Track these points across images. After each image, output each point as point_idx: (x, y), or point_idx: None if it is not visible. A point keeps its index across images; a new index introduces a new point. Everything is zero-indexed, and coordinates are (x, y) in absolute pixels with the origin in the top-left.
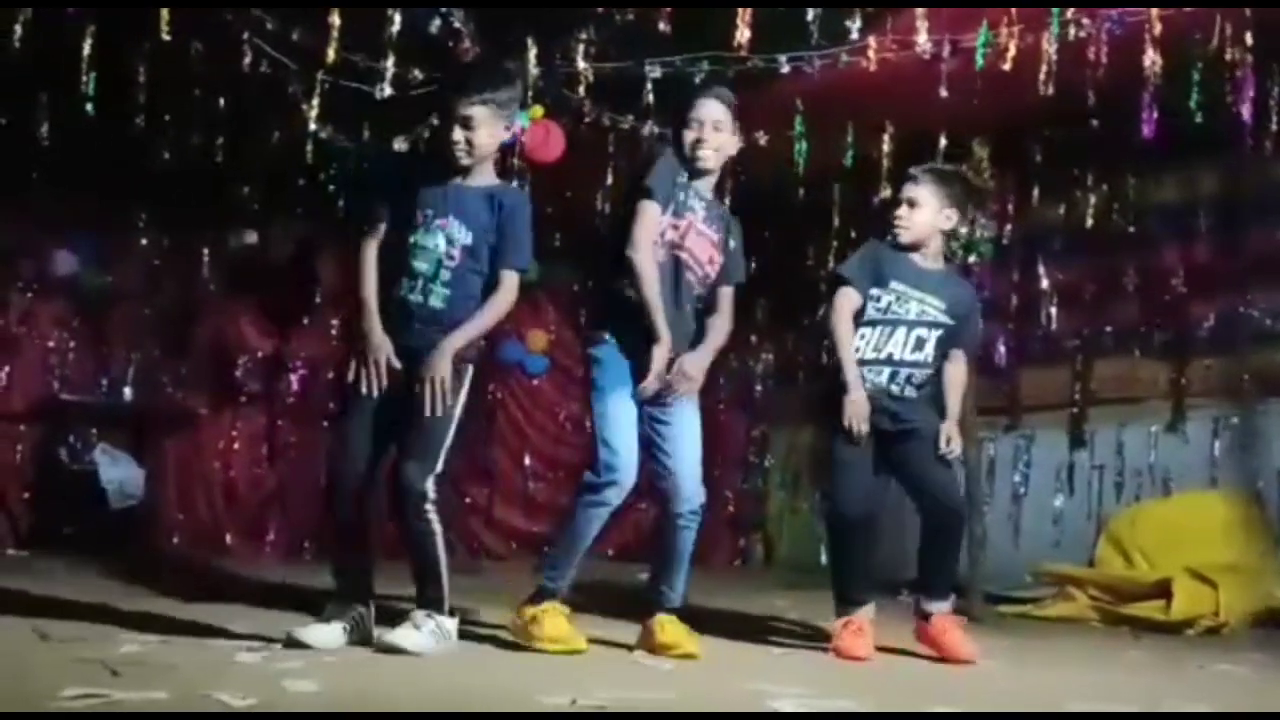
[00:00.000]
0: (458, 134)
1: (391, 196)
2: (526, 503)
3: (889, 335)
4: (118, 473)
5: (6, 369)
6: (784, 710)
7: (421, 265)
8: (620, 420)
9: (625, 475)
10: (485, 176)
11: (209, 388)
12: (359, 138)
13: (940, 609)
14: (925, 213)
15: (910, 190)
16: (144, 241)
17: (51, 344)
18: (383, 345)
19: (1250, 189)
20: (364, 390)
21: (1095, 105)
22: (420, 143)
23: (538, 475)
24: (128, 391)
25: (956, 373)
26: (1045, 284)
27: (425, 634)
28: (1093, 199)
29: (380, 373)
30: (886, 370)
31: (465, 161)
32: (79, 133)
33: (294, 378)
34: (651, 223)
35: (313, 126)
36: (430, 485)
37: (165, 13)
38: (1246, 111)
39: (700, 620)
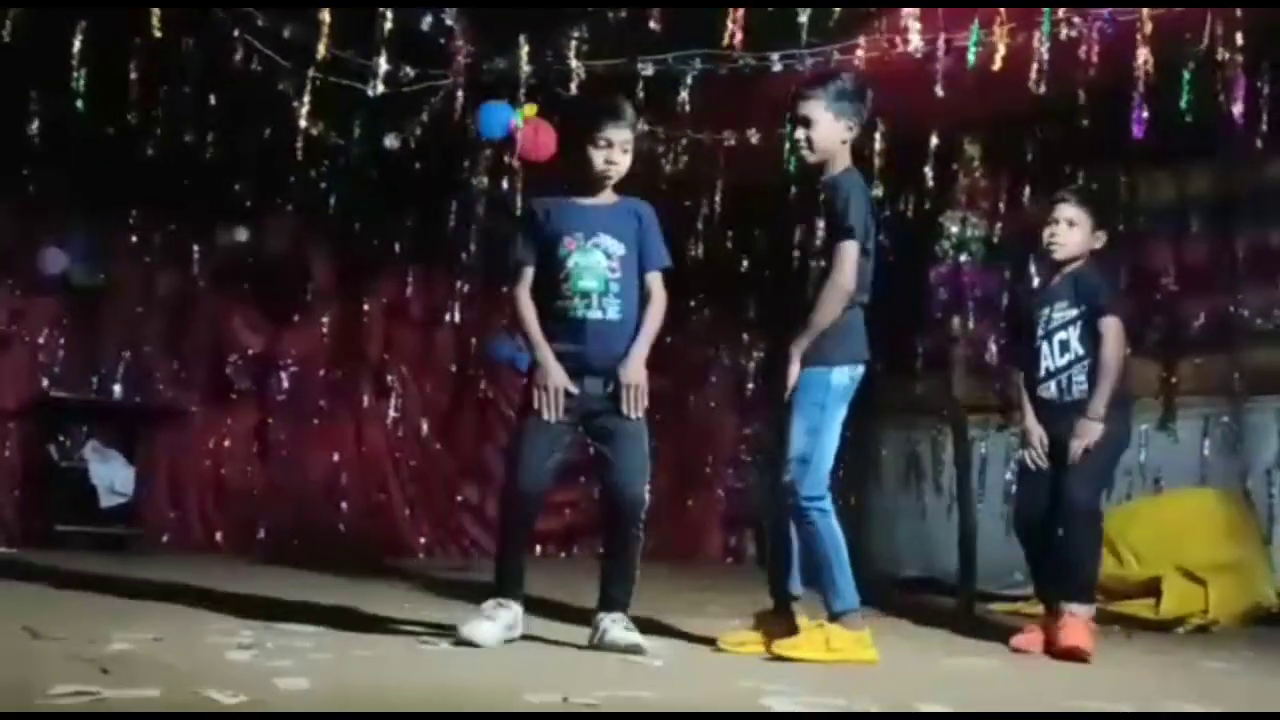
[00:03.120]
0: (609, 156)
1: (536, 239)
2: None
3: (1040, 354)
4: (108, 470)
5: None
6: (778, 708)
7: (590, 283)
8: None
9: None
10: (611, 195)
11: (200, 385)
12: (350, 135)
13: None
14: (1079, 232)
15: (1068, 210)
16: (135, 238)
17: (42, 341)
18: (562, 376)
19: (1241, 188)
20: (546, 417)
21: (1086, 104)
22: (411, 140)
23: None
24: (118, 389)
25: (1101, 356)
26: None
27: (635, 632)
28: None
29: (560, 401)
30: (1052, 383)
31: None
32: (70, 129)
33: (285, 375)
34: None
35: (304, 123)
36: (647, 491)
37: (157, 9)
38: (1237, 111)
39: (692, 618)
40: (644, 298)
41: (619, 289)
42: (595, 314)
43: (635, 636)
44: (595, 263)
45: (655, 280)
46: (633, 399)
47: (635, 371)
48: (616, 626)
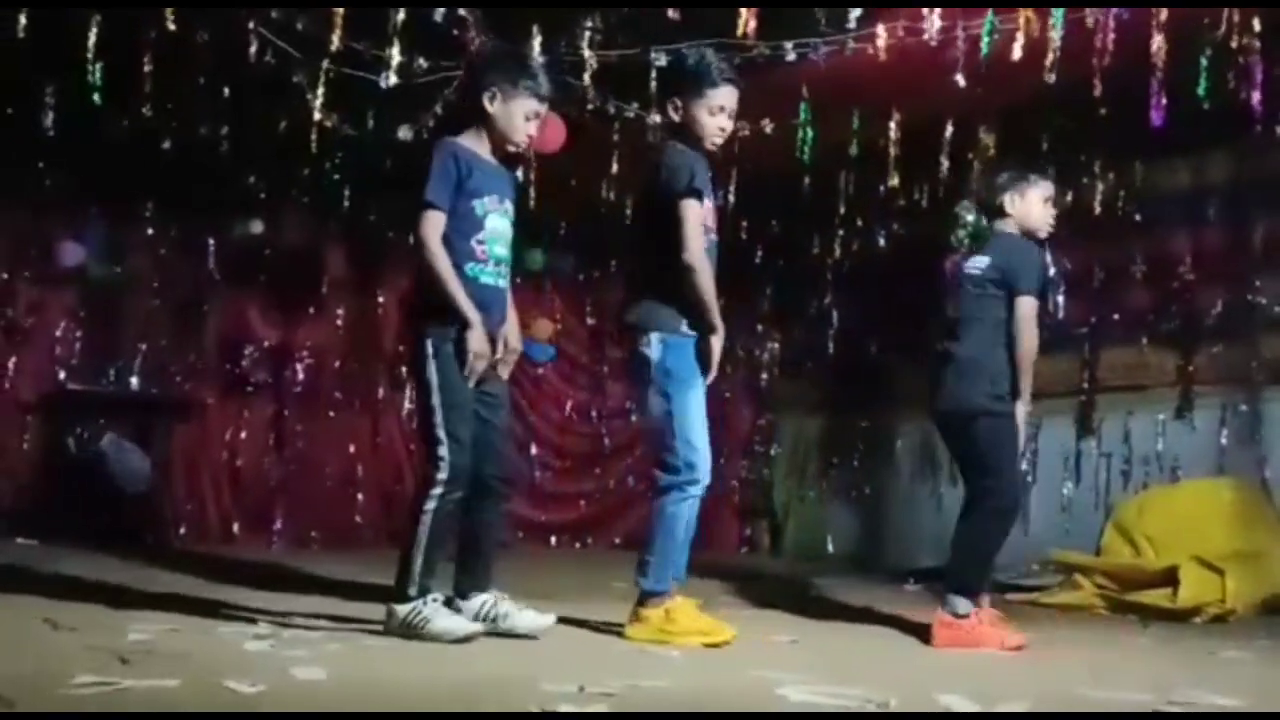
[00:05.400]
0: (530, 130)
1: (453, 186)
2: (532, 491)
3: None
4: (125, 462)
5: (14, 359)
6: (794, 699)
7: (502, 251)
8: (698, 415)
9: (707, 469)
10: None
11: (216, 377)
12: (364, 126)
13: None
14: None
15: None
16: (151, 231)
17: (59, 334)
18: (486, 341)
19: (1258, 175)
20: (471, 384)
21: (1102, 92)
22: (425, 131)
23: (544, 464)
24: (135, 381)
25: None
26: (1052, 271)
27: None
28: (1100, 186)
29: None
30: None
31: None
32: (85, 122)
33: (301, 367)
34: (700, 222)
35: (318, 115)
36: None
37: (170, 8)
38: (1255, 98)
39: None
40: None
41: (511, 259)
42: (502, 283)
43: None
44: (505, 230)
45: None
46: (512, 364)
47: (519, 339)
48: (511, 604)
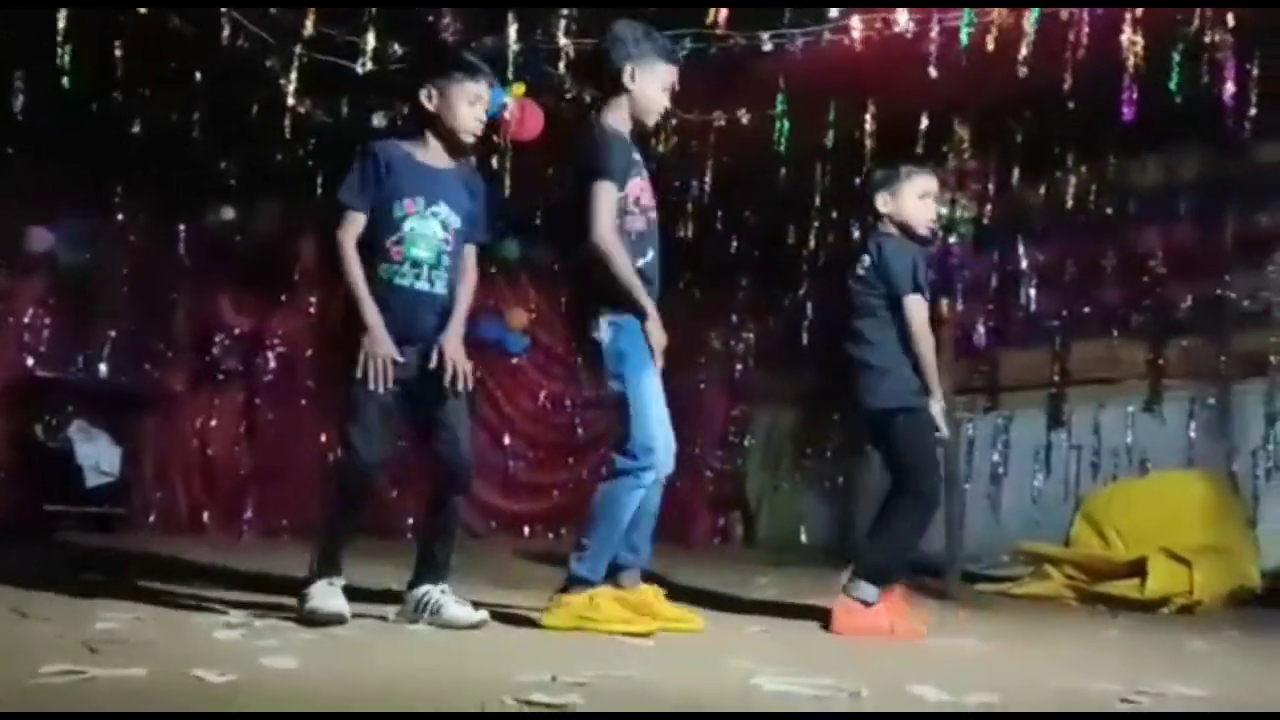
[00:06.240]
0: (479, 114)
1: (372, 188)
2: (506, 481)
3: None
4: (94, 450)
5: None
6: (768, 689)
7: (423, 253)
8: (654, 399)
9: (666, 458)
10: (448, 158)
11: (186, 365)
12: (338, 113)
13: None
14: None
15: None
16: (121, 218)
17: (28, 321)
18: (392, 345)
19: (1229, 171)
20: (373, 388)
21: (1075, 87)
22: (399, 119)
23: (517, 454)
24: (104, 369)
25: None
26: (1024, 265)
27: (467, 606)
28: (1073, 180)
29: (390, 371)
30: None
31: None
32: (55, 108)
33: (272, 356)
34: (612, 203)
35: (291, 102)
36: None
37: None
38: (1227, 94)
39: (681, 599)
40: (462, 270)
41: (449, 263)
42: (423, 285)
43: (474, 611)
44: (432, 232)
45: (472, 254)
46: (460, 376)
47: (458, 349)
48: (449, 599)
